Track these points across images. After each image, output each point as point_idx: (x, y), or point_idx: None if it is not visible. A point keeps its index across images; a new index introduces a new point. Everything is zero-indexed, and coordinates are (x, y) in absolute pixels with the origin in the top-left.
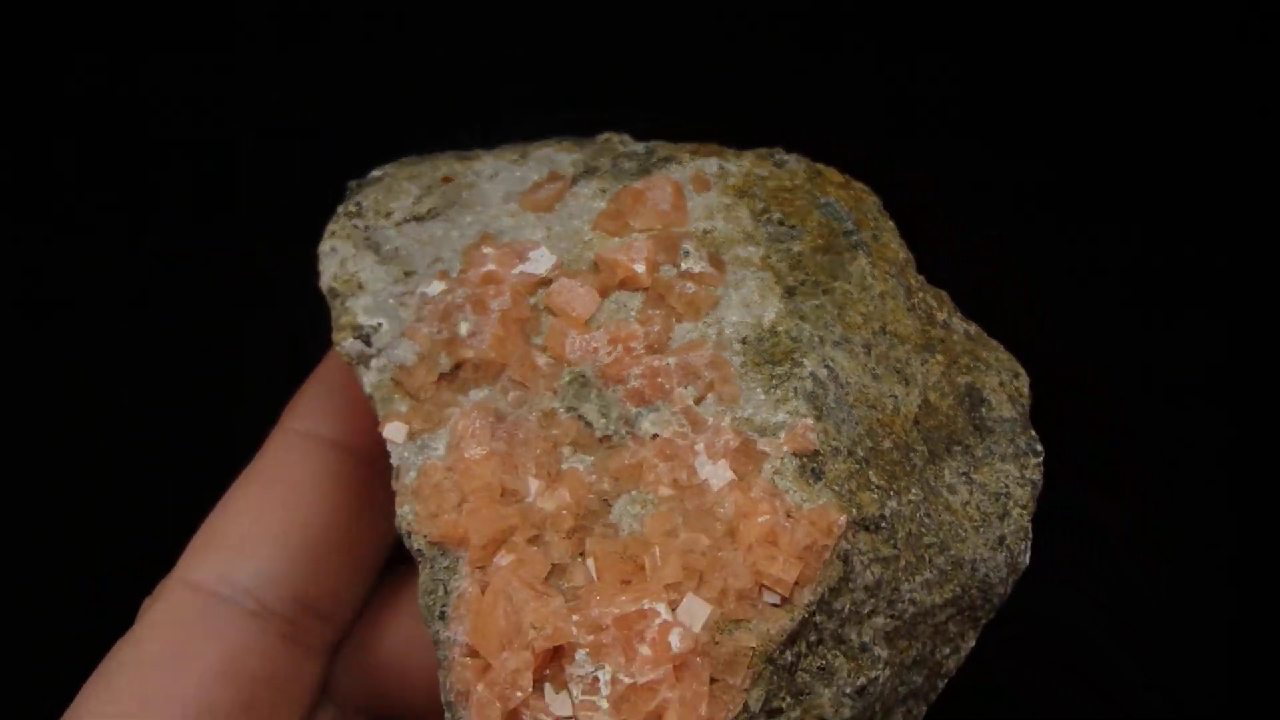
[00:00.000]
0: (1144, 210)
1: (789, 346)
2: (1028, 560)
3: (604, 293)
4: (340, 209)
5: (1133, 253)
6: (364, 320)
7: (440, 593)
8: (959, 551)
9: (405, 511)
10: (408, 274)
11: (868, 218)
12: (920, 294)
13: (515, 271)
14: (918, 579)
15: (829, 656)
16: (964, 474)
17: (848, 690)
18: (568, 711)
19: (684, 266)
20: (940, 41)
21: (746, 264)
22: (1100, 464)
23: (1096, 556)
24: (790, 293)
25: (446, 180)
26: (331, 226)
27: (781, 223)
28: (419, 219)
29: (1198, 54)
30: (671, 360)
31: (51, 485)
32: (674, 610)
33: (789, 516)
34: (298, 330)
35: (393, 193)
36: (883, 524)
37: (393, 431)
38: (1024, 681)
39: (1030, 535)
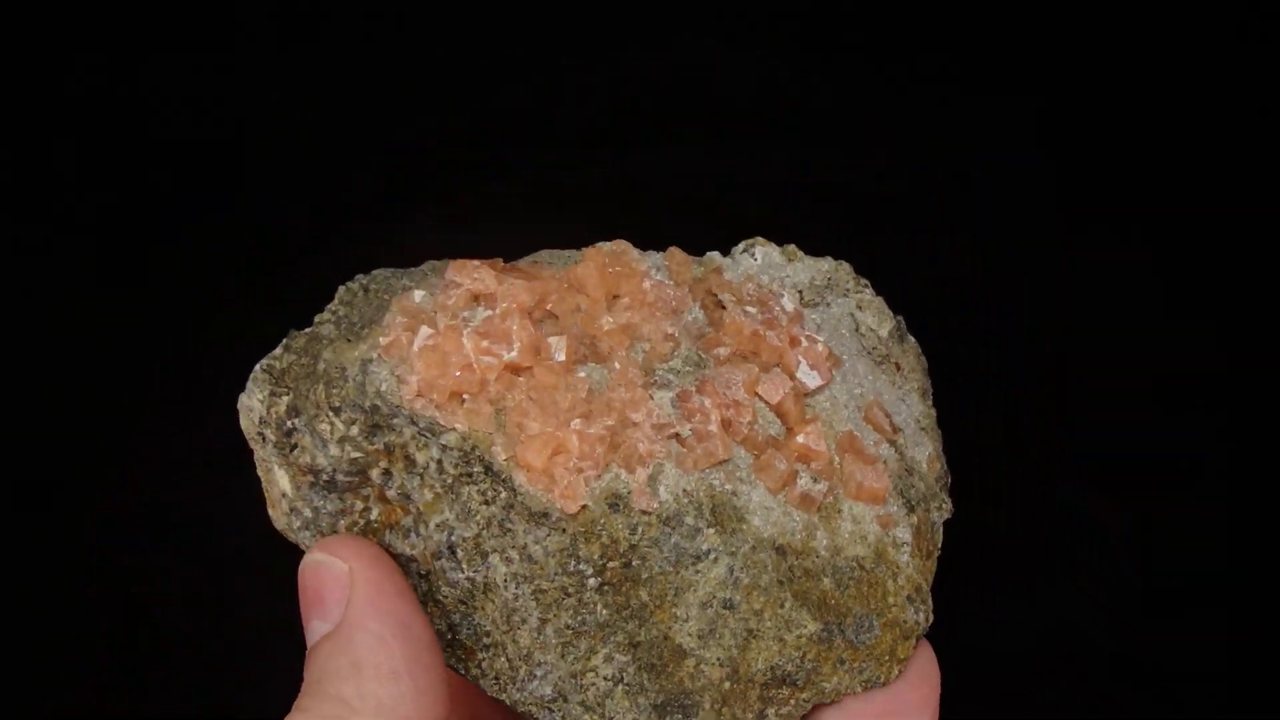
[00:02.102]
0: (1145, 210)
1: None
2: None
3: None
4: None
5: (1132, 253)
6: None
7: None
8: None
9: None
10: None
11: None
12: None
13: None
14: None
15: None
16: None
17: None
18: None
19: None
20: (940, 41)
21: None
22: (1100, 464)
23: (1096, 556)
24: None
25: None
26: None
27: None
28: None
29: (1198, 54)
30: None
31: (52, 485)
32: None
33: None
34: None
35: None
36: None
37: None
38: (1024, 681)
39: None
